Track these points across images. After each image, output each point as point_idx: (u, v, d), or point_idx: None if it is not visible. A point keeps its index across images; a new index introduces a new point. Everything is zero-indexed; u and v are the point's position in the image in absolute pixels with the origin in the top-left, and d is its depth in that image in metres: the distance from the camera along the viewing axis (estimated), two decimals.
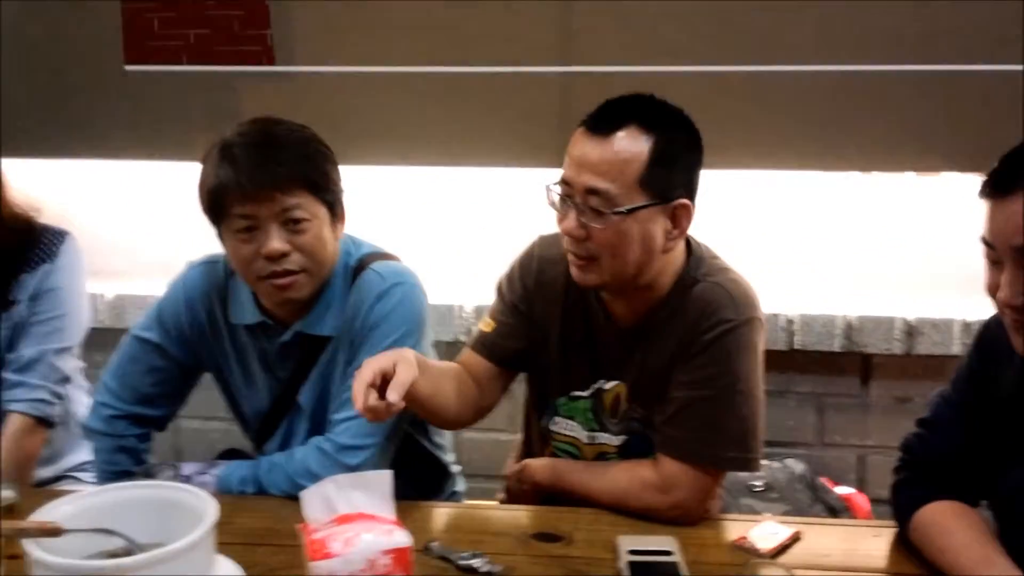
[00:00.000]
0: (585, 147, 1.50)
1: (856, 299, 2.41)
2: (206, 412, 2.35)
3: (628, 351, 1.63)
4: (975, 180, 2.19)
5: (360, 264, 1.71)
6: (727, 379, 1.55)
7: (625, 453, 1.67)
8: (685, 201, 1.53)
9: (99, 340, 2.14)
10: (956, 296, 2.34)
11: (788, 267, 2.43)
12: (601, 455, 1.70)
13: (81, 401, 2.04)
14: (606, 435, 1.69)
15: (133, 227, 2.63)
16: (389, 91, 2.38)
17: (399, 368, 1.41)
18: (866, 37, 2.21)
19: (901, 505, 1.49)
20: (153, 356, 1.76)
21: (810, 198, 2.41)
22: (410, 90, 2.38)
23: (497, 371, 1.71)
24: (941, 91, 2.20)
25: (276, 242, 1.58)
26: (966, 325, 2.32)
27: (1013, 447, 1.38)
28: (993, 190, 1.27)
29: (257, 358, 1.75)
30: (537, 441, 1.82)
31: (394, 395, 1.39)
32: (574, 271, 1.57)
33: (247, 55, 2.41)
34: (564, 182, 1.53)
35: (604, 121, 1.51)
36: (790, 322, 2.40)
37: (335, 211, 1.66)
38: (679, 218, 1.53)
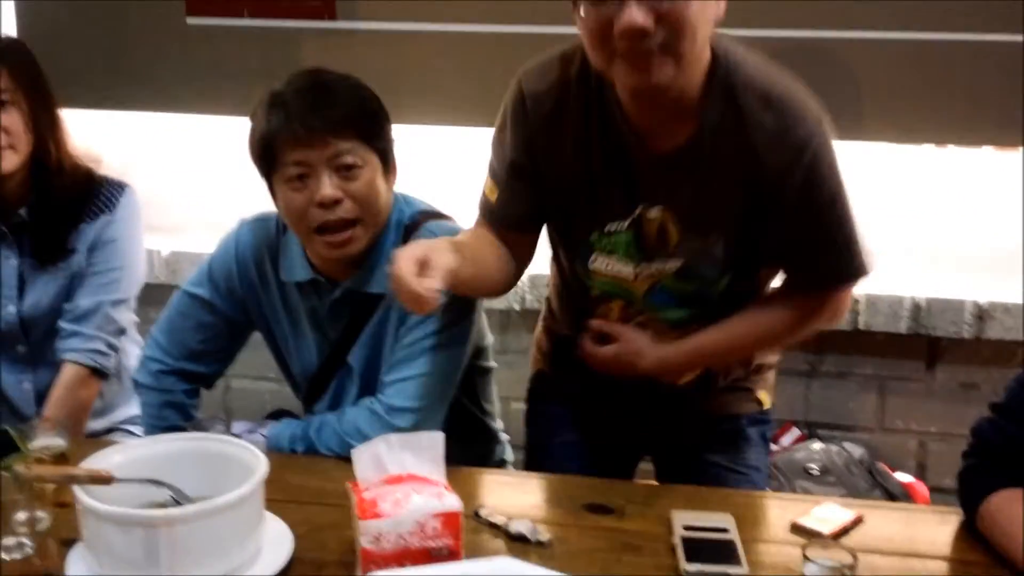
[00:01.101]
0: None
1: (925, 280, 2.33)
2: (256, 372, 2.36)
3: (672, 177, 1.48)
4: None
5: (414, 222, 1.68)
6: (839, 193, 1.48)
7: (685, 276, 1.54)
8: None
9: (154, 296, 2.15)
10: None
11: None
12: (655, 286, 1.57)
13: (134, 355, 2.02)
14: (657, 263, 1.54)
15: (191, 182, 2.63)
16: (449, 49, 2.35)
17: (434, 256, 1.34)
18: (942, 5, 2.12)
19: (970, 492, 1.43)
20: (203, 312, 1.75)
21: (880, 171, 2.32)
22: (471, 49, 2.34)
23: (516, 236, 1.61)
24: (1021, 62, 2.10)
25: (328, 188, 1.56)
26: None
27: None
28: None
29: (307, 316, 1.73)
30: (574, 294, 1.68)
31: (437, 281, 1.33)
32: (637, 75, 1.36)
33: (308, 10, 2.38)
34: None
35: None
36: (855, 301, 2.32)
37: (387, 161, 1.64)
38: None
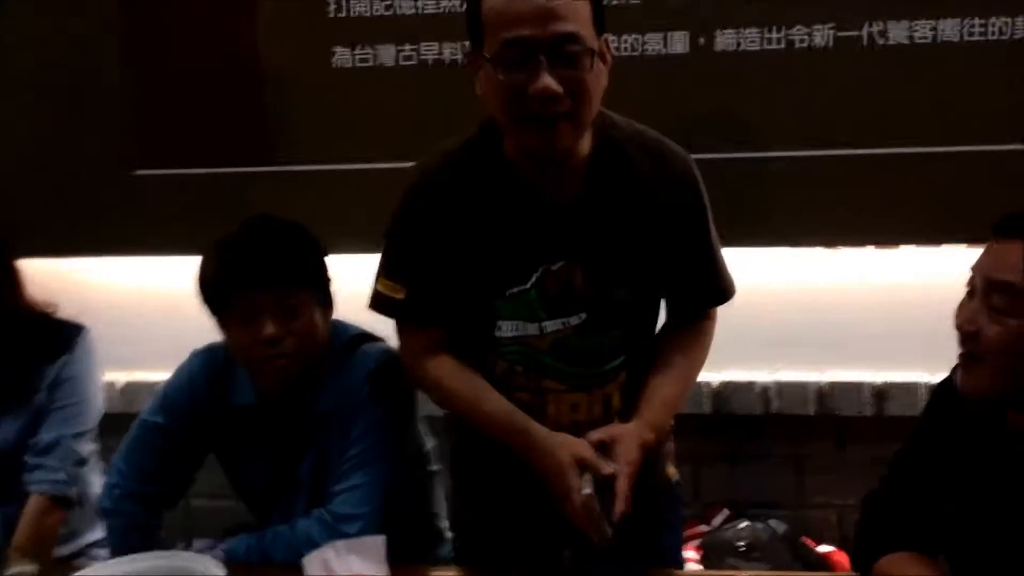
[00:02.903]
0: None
1: (827, 365, 2.54)
2: (213, 490, 2.45)
3: (572, 228, 1.58)
4: (931, 252, 2.37)
5: (350, 345, 1.83)
6: (706, 211, 1.65)
7: (586, 330, 1.61)
8: (607, 34, 1.52)
9: (112, 425, 2.23)
10: (920, 361, 2.46)
11: (762, 337, 2.55)
12: (558, 342, 1.61)
13: (96, 482, 2.13)
14: (559, 319, 1.61)
15: (144, 318, 2.76)
16: (376, 185, 2.52)
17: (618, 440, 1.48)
18: (835, 120, 2.39)
19: (862, 556, 1.59)
20: (159, 438, 1.87)
21: (779, 273, 2.54)
22: (395, 184, 2.53)
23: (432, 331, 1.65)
24: (903, 170, 2.38)
25: (271, 328, 1.71)
26: (931, 388, 2.43)
27: (963, 501, 1.49)
28: (996, 232, 1.44)
29: (257, 437, 1.86)
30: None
31: (622, 504, 1.44)
32: (542, 139, 1.49)
33: (251, 156, 2.60)
34: (516, 42, 1.43)
35: None
36: (766, 388, 2.52)
37: (325, 299, 1.80)
38: (604, 53, 1.51)
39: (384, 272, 1.67)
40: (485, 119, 1.59)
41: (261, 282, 1.71)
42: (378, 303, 1.67)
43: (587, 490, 1.44)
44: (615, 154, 1.59)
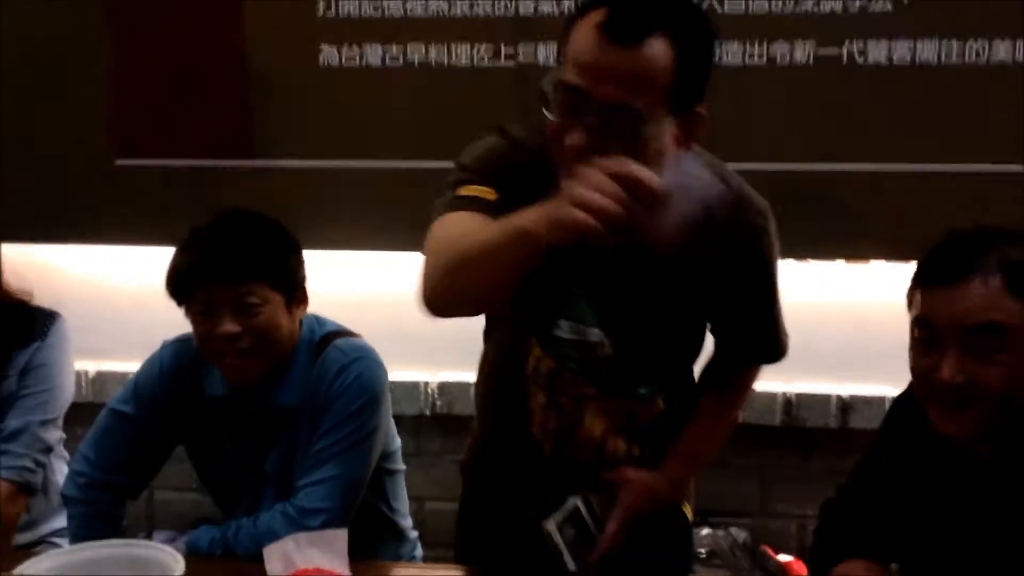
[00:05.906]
0: (606, 55, 1.30)
1: (794, 377, 2.57)
2: (179, 483, 2.46)
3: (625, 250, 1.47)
4: (901, 268, 2.40)
5: (323, 340, 1.84)
6: (774, 267, 1.59)
7: (622, 348, 1.57)
8: (702, 110, 1.39)
9: (80, 415, 2.24)
10: (886, 375, 2.49)
11: None
12: (602, 355, 1.58)
13: (61, 470, 2.14)
14: (602, 330, 1.56)
15: (116, 308, 2.77)
16: (359, 183, 2.58)
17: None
18: (801, 135, 2.42)
19: (817, 563, 1.62)
20: (128, 428, 1.87)
21: None
22: (378, 181, 2.57)
23: None
24: (874, 186, 2.42)
25: (228, 325, 1.72)
26: None
27: (917, 513, 1.51)
28: (939, 279, 1.39)
29: (226, 429, 1.86)
30: (507, 379, 1.65)
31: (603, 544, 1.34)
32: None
33: (230, 150, 2.62)
34: (572, 88, 1.32)
35: (627, 29, 1.30)
36: None
37: (292, 296, 1.80)
38: (693, 128, 1.39)
39: (470, 181, 1.45)
40: None
41: (220, 274, 1.72)
42: (465, 202, 1.43)
43: (551, 523, 1.50)
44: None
